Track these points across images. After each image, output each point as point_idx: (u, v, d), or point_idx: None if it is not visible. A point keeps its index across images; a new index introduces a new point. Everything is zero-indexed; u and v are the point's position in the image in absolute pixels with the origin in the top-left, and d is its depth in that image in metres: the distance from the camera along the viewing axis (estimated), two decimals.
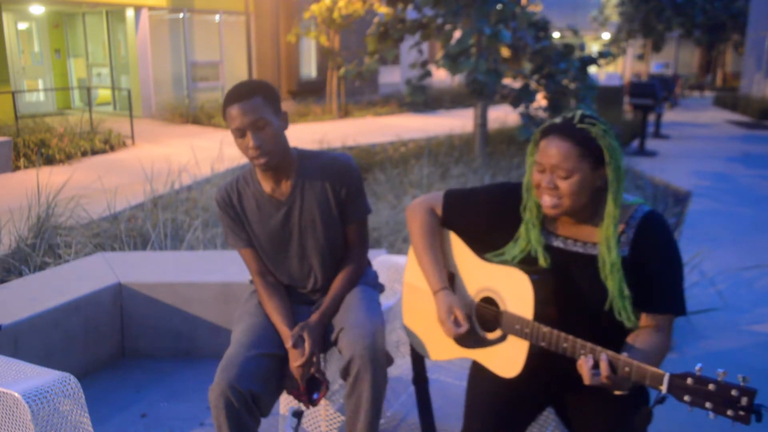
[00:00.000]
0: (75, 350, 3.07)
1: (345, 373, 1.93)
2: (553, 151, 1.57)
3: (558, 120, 1.61)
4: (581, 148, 1.56)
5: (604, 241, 1.62)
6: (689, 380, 1.35)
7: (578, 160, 1.57)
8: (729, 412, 1.30)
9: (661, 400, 1.41)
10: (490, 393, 1.74)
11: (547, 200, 1.62)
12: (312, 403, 1.97)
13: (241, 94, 1.89)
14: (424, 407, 2.03)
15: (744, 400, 1.28)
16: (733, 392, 1.30)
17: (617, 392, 1.50)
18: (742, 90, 21.82)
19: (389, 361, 1.98)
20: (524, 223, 1.72)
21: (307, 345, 1.95)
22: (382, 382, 1.93)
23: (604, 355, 1.45)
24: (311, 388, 1.98)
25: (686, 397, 1.35)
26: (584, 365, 1.47)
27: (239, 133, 1.91)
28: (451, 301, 1.75)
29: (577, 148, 1.56)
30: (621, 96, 15.51)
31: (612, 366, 1.45)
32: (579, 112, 1.61)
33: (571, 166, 1.57)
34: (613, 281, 1.60)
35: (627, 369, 1.43)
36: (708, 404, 1.32)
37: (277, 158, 1.96)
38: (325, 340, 2.05)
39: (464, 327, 1.71)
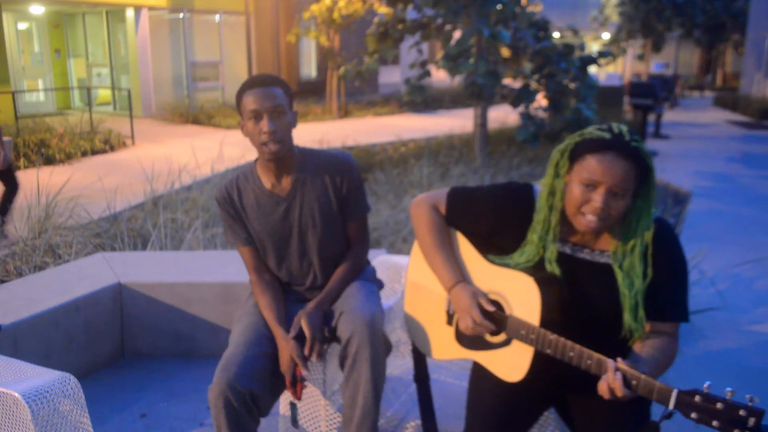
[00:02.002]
0: (75, 350, 3.07)
1: (343, 356, 1.92)
2: (612, 170, 1.50)
3: (605, 135, 1.53)
4: (636, 168, 1.52)
5: (628, 265, 1.59)
6: (697, 398, 1.34)
7: (632, 181, 1.52)
8: None
9: (669, 415, 1.40)
10: (492, 394, 1.74)
11: (591, 219, 1.54)
12: (296, 395, 1.97)
13: (263, 80, 1.97)
14: (425, 405, 2.02)
15: (752, 421, 1.28)
16: (741, 412, 1.29)
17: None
18: (742, 90, 21.81)
19: (388, 347, 1.98)
20: (537, 237, 1.66)
21: (306, 330, 1.95)
22: (381, 364, 1.92)
23: (619, 374, 1.43)
24: (294, 381, 1.98)
25: (693, 415, 1.34)
26: (605, 389, 1.45)
27: (255, 115, 1.94)
28: (475, 290, 1.70)
29: (635, 169, 1.51)
30: (621, 96, 15.52)
31: (624, 380, 1.43)
32: (623, 128, 1.55)
33: (629, 186, 1.52)
34: (630, 305, 1.58)
35: (635, 382, 1.42)
36: (715, 423, 1.31)
37: (286, 149, 1.99)
38: (327, 331, 2.06)
39: (485, 324, 1.65)
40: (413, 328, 1.98)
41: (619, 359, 1.45)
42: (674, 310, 1.61)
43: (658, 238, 1.60)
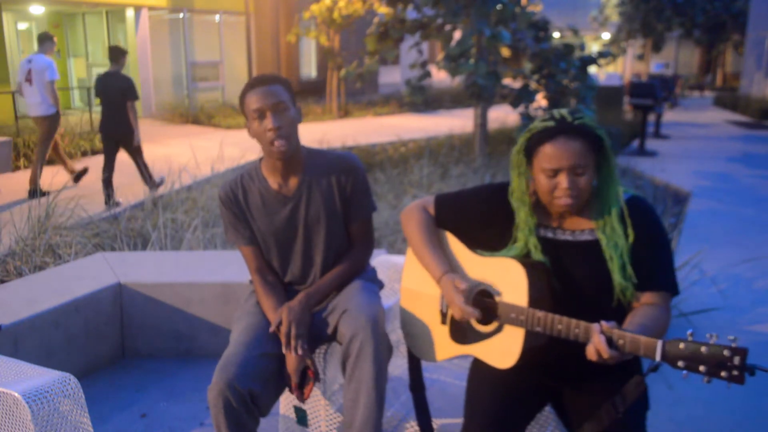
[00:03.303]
0: (75, 350, 3.08)
1: (345, 355, 1.91)
2: (567, 152, 1.59)
3: (549, 123, 1.62)
4: (588, 141, 1.61)
5: (609, 229, 1.65)
6: (682, 345, 1.36)
7: (589, 154, 1.61)
8: (723, 374, 1.31)
9: (655, 368, 1.44)
10: (489, 393, 1.75)
11: (566, 201, 1.62)
12: (301, 398, 1.96)
13: (263, 80, 1.99)
14: (422, 414, 2.03)
15: (736, 360, 1.30)
16: (725, 352, 1.31)
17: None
18: (742, 90, 21.81)
19: (389, 350, 1.97)
20: (519, 231, 1.74)
21: (284, 323, 1.94)
22: (384, 364, 1.91)
23: (603, 337, 1.46)
24: (303, 383, 1.98)
25: (680, 363, 1.37)
26: (592, 351, 1.48)
27: (258, 115, 1.95)
28: (454, 279, 1.74)
29: (586, 143, 1.60)
30: (621, 96, 15.52)
31: (608, 341, 1.46)
32: (564, 111, 1.64)
33: (587, 161, 1.61)
34: (618, 265, 1.63)
35: (621, 341, 1.45)
36: (702, 368, 1.34)
37: (293, 146, 2.00)
38: (318, 336, 2.06)
39: (469, 309, 1.69)
40: (410, 334, 1.98)
41: (602, 322, 1.49)
42: (659, 279, 1.65)
43: (634, 209, 1.67)
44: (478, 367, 1.84)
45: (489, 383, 1.76)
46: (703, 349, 1.33)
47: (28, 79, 7.02)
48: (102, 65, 15.75)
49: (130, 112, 6.49)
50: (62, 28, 15.93)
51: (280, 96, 1.96)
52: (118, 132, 6.56)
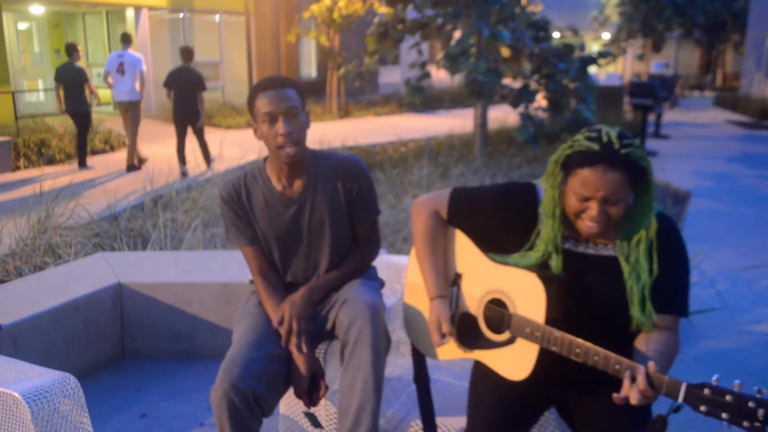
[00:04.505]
0: (75, 350, 3.07)
1: (344, 342, 1.89)
2: (603, 183, 1.49)
3: (594, 146, 1.51)
4: (629, 175, 1.51)
5: (633, 259, 1.59)
6: (706, 390, 1.35)
7: (627, 187, 1.51)
8: (745, 424, 1.30)
9: (677, 409, 1.41)
10: (493, 394, 1.74)
11: (591, 225, 1.55)
12: (312, 403, 1.96)
13: (277, 82, 1.95)
14: (425, 406, 2.01)
15: (761, 413, 1.28)
16: (750, 404, 1.30)
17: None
18: (742, 90, 21.82)
19: (388, 341, 1.96)
20: (544, 245, 1.66)
21: (285, 318, 1.93)
22: (383, 352, 1.89)
23: (629, 372, 1.43)
24: (312, 388, 1.97)
25: (702, 407, 1.35)
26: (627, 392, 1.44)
27: (270, 118, 1.92)
28: (441, 312, 1.75)
29: (626, 176, 1.50)
30: (621, 96, 15.51)
31: (632, 378, 1.43)
32: (612, 133, 1.53)
33: (621, 194, 1.51)
34: (638, 299, 1.58)
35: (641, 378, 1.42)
36: (724, 415, 1.32)
37: (302, 151, 1.98)
38: (318, 332, 2.05)
39: (447, 339, 1.73)
40: (413, 330, 1.97)
41: (647, 369, 1.43)
42: (676, 305, 1.62)
43: (661, 233, 1.61)
44: (481, 368, 1.82)
45: (493, 385, 1.75)
46: (728, 397, 1.32)
47: (120, 71, 8.25)
48: (102, 65, 15.74)
49: (200, 101, 8.08)
50: (62, 28, 15.92)
51: (292, 101, 1.93)
52: (186, 116, 8.14)
